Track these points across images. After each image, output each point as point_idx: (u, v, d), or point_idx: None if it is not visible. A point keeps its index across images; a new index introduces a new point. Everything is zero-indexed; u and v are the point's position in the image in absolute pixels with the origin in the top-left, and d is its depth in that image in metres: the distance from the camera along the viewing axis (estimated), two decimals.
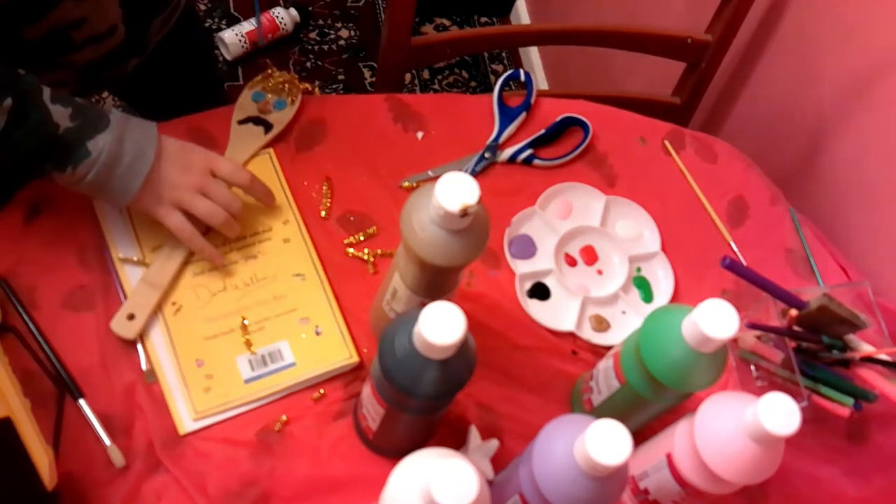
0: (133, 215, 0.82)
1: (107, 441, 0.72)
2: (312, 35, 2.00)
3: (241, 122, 0.90)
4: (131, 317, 0.77)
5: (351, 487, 0.75)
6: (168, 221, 0.78)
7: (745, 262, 0.94)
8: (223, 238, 0.83)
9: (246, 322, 0.80)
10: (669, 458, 0.67)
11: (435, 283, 0.69)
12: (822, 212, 1.06)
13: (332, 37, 2.01)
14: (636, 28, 1.17)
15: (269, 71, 0.93)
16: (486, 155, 0.95)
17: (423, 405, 0.66)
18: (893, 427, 0.88)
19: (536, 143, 0.97)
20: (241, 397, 0.76)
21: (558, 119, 0.99)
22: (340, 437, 0.77)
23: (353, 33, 2.02)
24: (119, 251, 0.80)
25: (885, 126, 0.98)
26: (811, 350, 0.83)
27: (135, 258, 0.80)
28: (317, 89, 0.94)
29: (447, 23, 2.10)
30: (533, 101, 1.00)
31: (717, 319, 0.62)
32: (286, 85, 0.93)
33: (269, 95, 0.92)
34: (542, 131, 0.98)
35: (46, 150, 0.71)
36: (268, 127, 0.90)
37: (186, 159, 0.78)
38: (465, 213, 0.60)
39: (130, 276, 0.80)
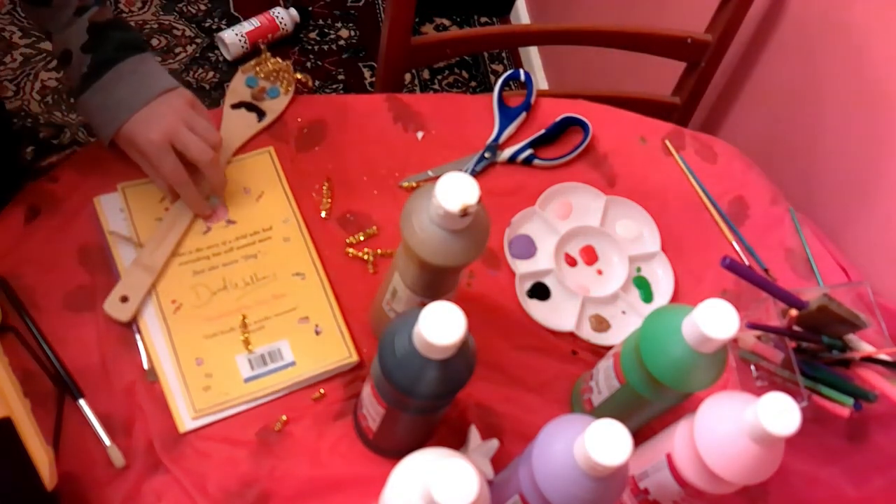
0: (132, 211, 0.82)
1: (107, 441, 0.72)
2: (312, 35, 2.00)
3: (233, 107, 0.90)
4: (125, 299, 0.77)
5: (351, 487, 0.75)
6: (162, 164, 0.77)
7: (745, 262, 0.94)
8: (222, 237, 0.83)
9: (246, 321, 0.80)
10: (669, 458, 0.67)
11: (435, 283, 0.69)
12: (822, 212, 1.06)
13: (332, 37, 2.00)
14: (636, 28, 1.17)
15: (264, 56, 0.93)
16: (486, 155, 0.95)
17: (423, 405, 0.66)
18: (893, 427, 0.88)
19: (536, 143, 0.97)
20: (241, 396, 0.76)
21: (558, 119, 0.99)
22: (340, 437, 0.77)
23: (353, 33, 2.02)
24: (119, 252, 0.80)
25: (886, 126, 0.98)
26: (811, 350, 0.83)
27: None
28: (310, 80, 0.94)
29: (447, 23, 2.10)
30: (533, 101, 1.00)
31: (717, 319, 0.62)
32: (280, 73, 0.93)
33: (263, 82, 0.92)
34: (542, 131, 0.98)
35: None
36: (261, 115, 0.90)
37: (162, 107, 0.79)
38: (465, 213, 0.60)
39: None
